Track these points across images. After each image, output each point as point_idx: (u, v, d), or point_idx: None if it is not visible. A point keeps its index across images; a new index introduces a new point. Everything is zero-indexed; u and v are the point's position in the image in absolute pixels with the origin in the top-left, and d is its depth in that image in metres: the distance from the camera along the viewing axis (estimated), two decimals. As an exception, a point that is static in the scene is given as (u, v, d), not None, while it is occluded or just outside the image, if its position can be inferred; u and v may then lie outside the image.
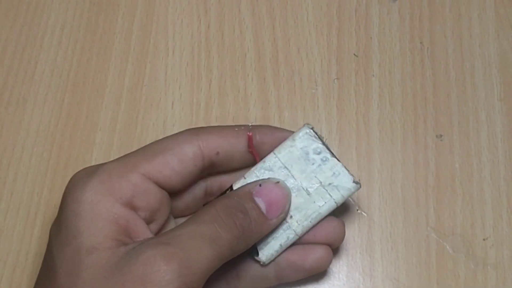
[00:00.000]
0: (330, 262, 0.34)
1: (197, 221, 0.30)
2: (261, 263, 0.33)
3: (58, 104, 0.43)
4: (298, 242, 0.34)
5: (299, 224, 0.33)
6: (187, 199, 0.35)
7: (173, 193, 0.33)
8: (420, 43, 0.44)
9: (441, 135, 0.41)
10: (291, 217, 0.33)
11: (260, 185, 0.32)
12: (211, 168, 0.34)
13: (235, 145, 0.34)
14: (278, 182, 0.33)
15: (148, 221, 0.32)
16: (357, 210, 0.39)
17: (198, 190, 0.35)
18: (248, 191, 0.32)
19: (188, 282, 0.28)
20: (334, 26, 0.44)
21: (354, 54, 0.44)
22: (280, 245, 0.33)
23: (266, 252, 0.33)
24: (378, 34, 0.44)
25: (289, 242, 0.33)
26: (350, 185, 0.33)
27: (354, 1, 0.45)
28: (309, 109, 0.42)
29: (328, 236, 0.34)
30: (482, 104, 0.42)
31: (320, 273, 0.37)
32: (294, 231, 0.33)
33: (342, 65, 0.43)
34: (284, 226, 0.33)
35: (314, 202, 0.33)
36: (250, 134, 0.34)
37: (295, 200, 0.33)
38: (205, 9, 0.46)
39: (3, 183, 0.40)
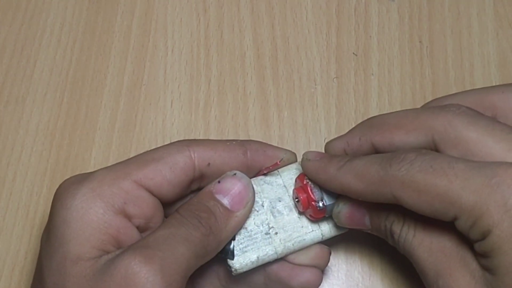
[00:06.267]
0: (318, 284, 0.33)
1: (167, 224, 0.30)
2: (233, 270, 0.32)
3: (57, 103, 0.43)
4: (285, 260, 0.33)
5: (281, 243, 0.32)
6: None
7: (169, 201, 0.33)
8: (419, 42, 0.44)
9: (440, 134, 0.41)
10: (276, 233, 0.33)
11: (219, 181, 0.32)
12: (201, 181, 0.34)
13: (226, 159, 0.33)
14: (235, 174, 0.32)
15: (143, 229, 0.32)
16: (356, 209, 0.39)
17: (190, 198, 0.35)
18: (208, 190, 0.32)
19: (172, 282, 0.28)
20: (333, 25, 0.44)
21: (353, 53, 0.44)
22: (257, 257, 0.32)
23: (242, 260, 0.32)
24: (377, 33, 0.44)
25: (267, 259, 0.32)
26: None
27: (353, 0, 0.45)
28: (308, 108, 0.42)
29: (310, 260, 0.33)
30: (481, 103, 0.42)
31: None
32: (275, 249, 0.32)
33: (341, 64, 0.43)
34: (266, 241, 0.32)
35: (302, 226, 0.33)
36: (279, 162, 0.34)
37: (286, 218, 0.33)
38: (204, 8, 0.46)
39: (2, 182, 0.40)
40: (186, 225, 0.30)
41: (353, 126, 0.41)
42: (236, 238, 0.32)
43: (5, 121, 0.42)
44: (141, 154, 0.33)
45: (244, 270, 0.32)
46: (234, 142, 0.34)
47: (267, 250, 0.32)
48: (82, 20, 0.45)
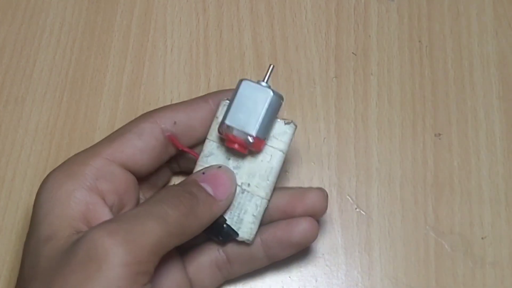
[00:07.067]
0: (316, 234, 0.34)
1: (143, 203, 0.31)
2: (246, 241, 0.33)
3: (57, 103, 0.43)
4: (281, 217, 0.34)
5: (259, 188, 0.33)
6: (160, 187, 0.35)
7: (144, 174, 0.34)
8: (419, 41, 0.44)
9: (439, 134, 0.41)
10: (248, 185, 0.33)
11: (203, 173, 0.33)
12: (175, 145, 0.34)
13: (191, 113, 0.34)
14: (220, 167, 0.33)
15: (117, 208, 0.32)
16: (356, 208, 0.39)
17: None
18: (193, 179, 0.32)
19: (136, 256, 0.27)
20: (332, 25, 0.44)
21: (353, 53, 0.44)
22: (253, 215, 0.33)
23: (244, 229, 0.33)
24: (377, 33, 0.44)
25: (261, 209, 0.33)
26: (284, 127, 0.34)
27: (352, -1, 0.45)
28: (307, 107, 0.42)
29: (309, 207, 0.34)
30: (480, 103, 0.42)
31: (319, 272, 0.37)
32: (259, 196, 0.33)
33: (340, 63, 0.43)
34: (248, 197, 0.33)
35: (262, 160, 0.33)
36: (169, 134, 0.34)
37: (244, 165, 0.34)
38: (203, 7, 0.46)
39: (1, 181, 0.40)
40: (164, 203, 0.30)
41: (353, 125, 0.41)
42: (227, 217, 0.33)
43: (5, 121, 0.42)
44: (109, 134, 0.34)
45: (254, 233, 0.33)
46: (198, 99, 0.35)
47: (254, 202, 0.33)
48: (82, 20, 0.45)
